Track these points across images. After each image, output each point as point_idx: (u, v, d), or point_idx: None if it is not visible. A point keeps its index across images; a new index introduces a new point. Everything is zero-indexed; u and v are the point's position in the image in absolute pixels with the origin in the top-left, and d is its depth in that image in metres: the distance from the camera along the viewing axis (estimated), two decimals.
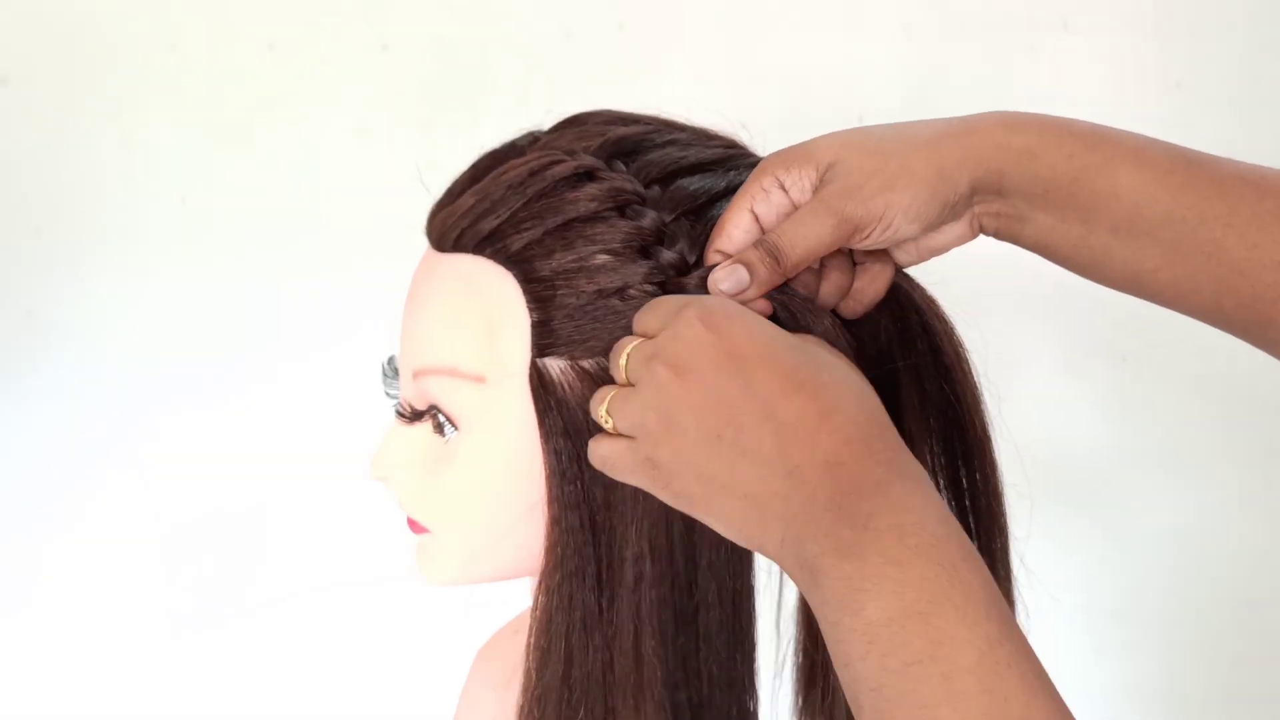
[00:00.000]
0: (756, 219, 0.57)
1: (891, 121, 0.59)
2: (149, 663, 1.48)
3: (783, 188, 0.57)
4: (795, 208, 0.57)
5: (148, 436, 1.45)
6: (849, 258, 0.60)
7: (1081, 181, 0.55)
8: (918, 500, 0.47)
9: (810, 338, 0.55)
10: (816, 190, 0.56)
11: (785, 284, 0.57)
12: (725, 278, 0.55)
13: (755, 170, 0.58)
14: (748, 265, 0.55)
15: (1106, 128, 0.57)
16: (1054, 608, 1.55)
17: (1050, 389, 1.46)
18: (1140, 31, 1.41)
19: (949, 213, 0.57)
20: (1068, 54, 1.42)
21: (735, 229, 0.57)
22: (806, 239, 0.55)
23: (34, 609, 1.47)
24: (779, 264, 0.55)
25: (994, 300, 1.45)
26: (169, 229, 1.42)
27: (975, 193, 0.56)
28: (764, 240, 0.55)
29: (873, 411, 0.51)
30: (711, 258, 0.57)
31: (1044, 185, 0.55)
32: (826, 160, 0.56)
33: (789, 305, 0.57)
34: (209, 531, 1.47)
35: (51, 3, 1.38)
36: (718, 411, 0.50)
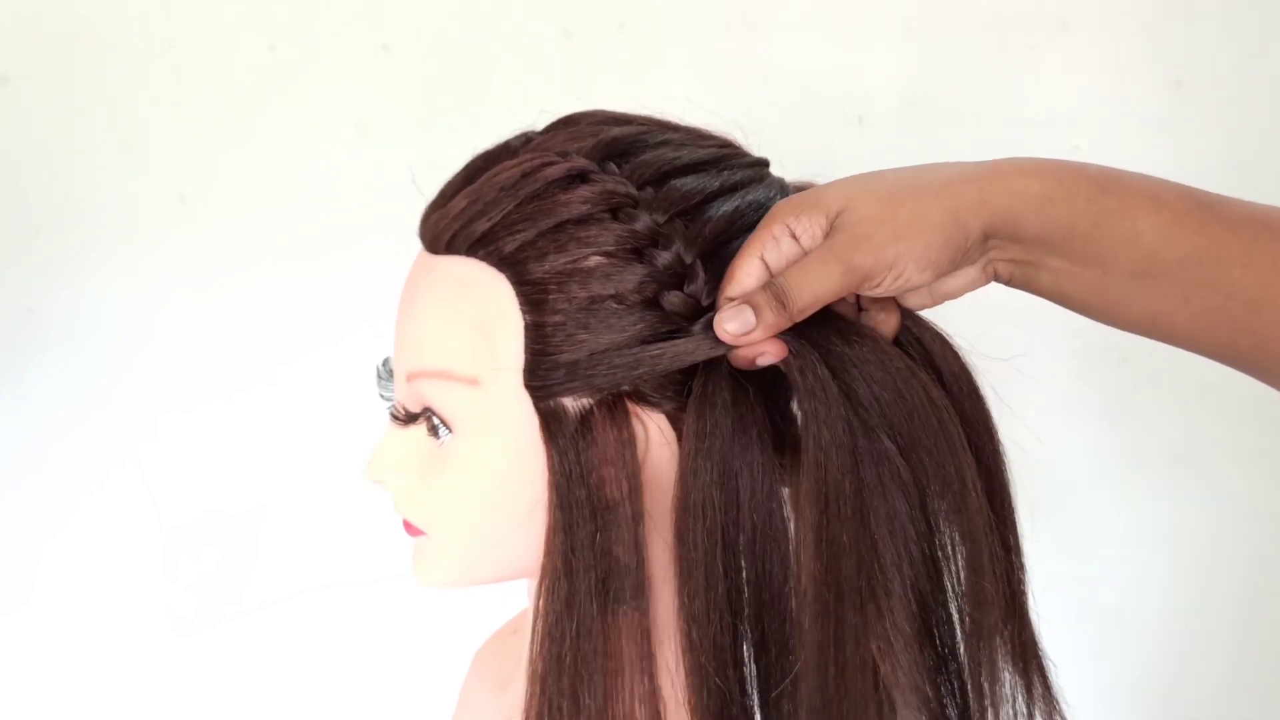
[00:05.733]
0: (767, 266, 0.57)
1: (902, 166, 0.58)
2: (149, 663, 1.48)
3: (793, 235, 0.57)
4: (806, 255, 0.57)
5: (147, 436, 1.45)
6: (854, 304, 0.60)
7: (1101, 226, 0.55)
8: None
9: None
10: (827, 237, 0.56)
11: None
12: (731, 318, 0.55)
13: (766, 217, 0.57)
14: (754, 308, 0.55)
15: (1120, 171, 0.57)
16: (1053, 608, 1.55)
17: (1050, 389, 1.46)
18: (1140, 31, 1.41)
19: (961, 258, 0.56)
20: (1068, 54, 1.42)
21: (746, 276, 0.57)
22: (813, 285, 0.55)
23: (33, 608, 1.47)
24: (785, 308, 0.55)
25: (992, 300, 1.45)
26: (168, 228, 1.42)
27: (989, 238, 0.56)
28: (771, 283, 0.56)
29: None
30: (723, 305, 0.57)
31: (1063, 231, 0.55)
32: (836, 207, 0.56)
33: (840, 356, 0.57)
34: (209, 531, 1.47)
35: (51, 3, 1.38)
36: None
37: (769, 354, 0.57)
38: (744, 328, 0.55)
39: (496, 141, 0.63)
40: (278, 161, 1.42)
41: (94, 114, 1.40)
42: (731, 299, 0.57)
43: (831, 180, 0.59)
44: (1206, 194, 0.56)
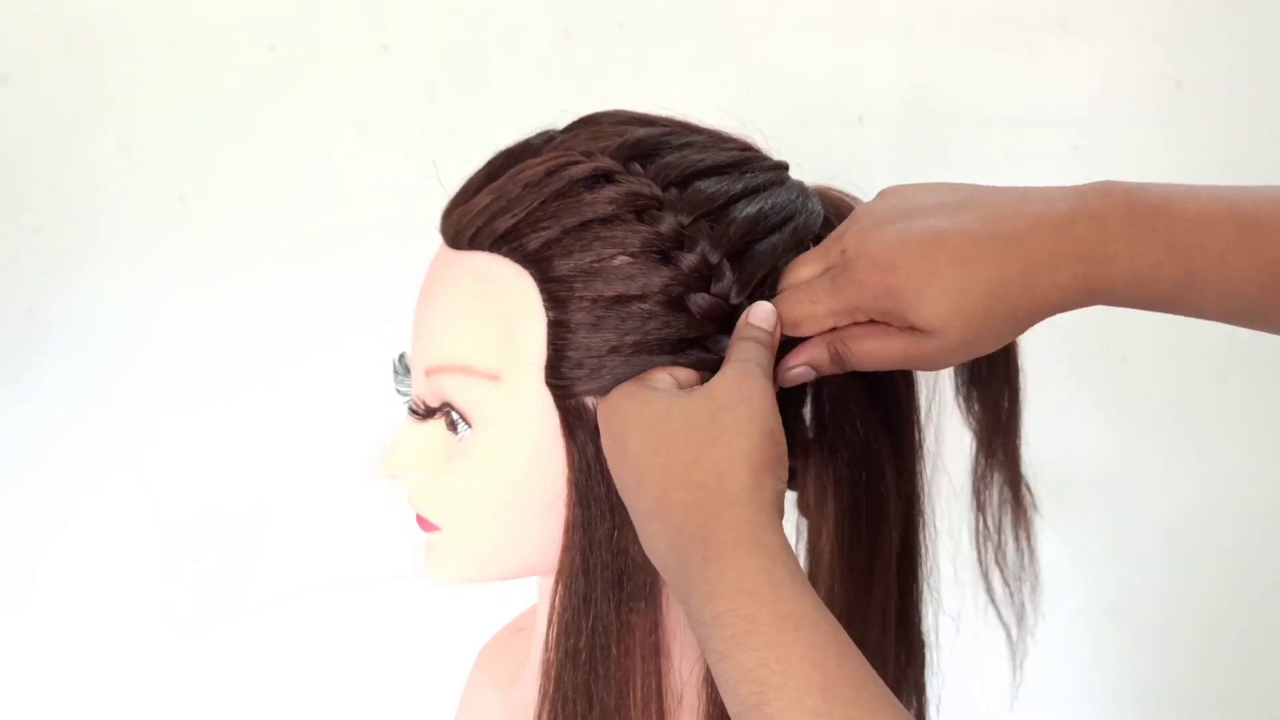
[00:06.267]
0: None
1: (977, 227, 0.55)
2: (149, 663, 1.48)
3: (872, 321, 0.56)
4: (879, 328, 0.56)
5: (147, 436, 1.45)
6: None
7: (1183, 295, 0.54)
8: (725, 581, 0.48)
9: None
10: (901, 318, 0.55)
11: None
12: (795, 378, 0.58)
13: (842, 286, 0.56)
14: (815, 366, 0.58)
15: (1205, 206, 0.53)
16: (1052, 609, 1.55)
17: (1050, 390, 1.46)
18: (1140, 31, 1.41)
19: None
20: (1068, 54, 1.42)
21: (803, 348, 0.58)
22: (876, 360, 0.56)
23: (33, 608, 1.47)
24: (841, 368, 0.58)
25: None
26: (168, 228, 1.42)
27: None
28: (838, 351, 0.57)
29: (699, 482, 0.51)
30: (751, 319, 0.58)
31: (1147, 301, 0.54)
32: (921, 320, 0.54)
33: None
34: (209, 531, 1.47)
35: (51, 3, 1.38)
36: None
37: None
38: (804, 378, 0.58)
39: (508, 140, 0.63)
40: (278, 161, 1.42)
41: (94, 114, 1.40)
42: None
43: (892, 244, 0.55)
44: None
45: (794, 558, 0.49)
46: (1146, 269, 0.53)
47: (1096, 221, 0.53)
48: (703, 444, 0.51)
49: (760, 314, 0.57)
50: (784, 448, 0.53)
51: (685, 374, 0.57)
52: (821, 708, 0.44)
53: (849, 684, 0.45)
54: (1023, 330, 0.56)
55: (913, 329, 0.54)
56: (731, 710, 0.47)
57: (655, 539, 0.52)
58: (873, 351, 0.56)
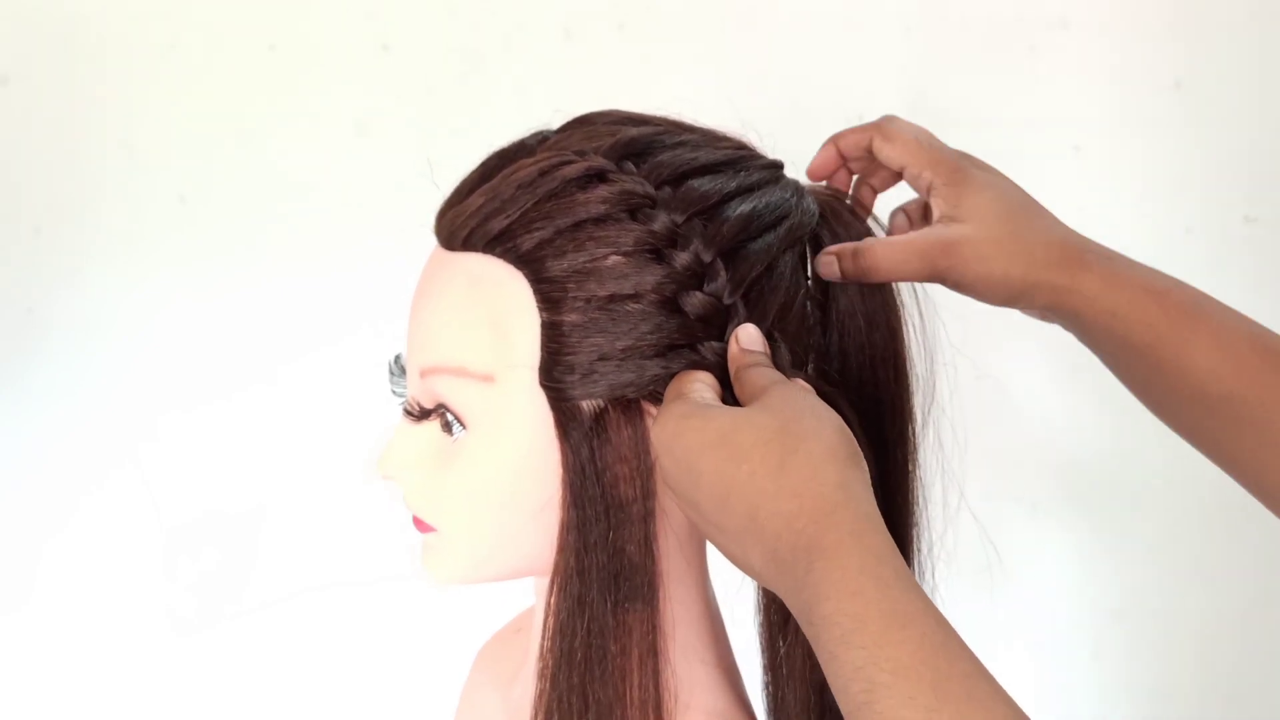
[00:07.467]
0: (842, 157, 0.68)
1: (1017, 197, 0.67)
2: (149, 663, 1.48)
3: (918, 189, 0.65)
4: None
5: (147, 436, 1.45)
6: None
7: (1155, 348, 0.62)
8: (831, 583, 0.48)
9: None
10: (938, 224, 0.64)
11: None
12: (823, 266, 0.64)
13: (908, 148, 0.66)
14: (840, 259, 0.63)
15: (1198, 297, 0.63)
16: (1054, 608, 1.55)
17: (1050, 390, 1.46)
18: (1140, 31, 1.41)
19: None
20: (1068, 54, 1.42)
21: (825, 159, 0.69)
22: (895, 274, 0.63)
23: (33, 608, 1.47)
24: (862, 276, 0.63)
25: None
26: (168, 228, 1.42)
27: (1048, 314, 0.65)
28: (861, 257, 0.63)
29: (796, 485, 0.51)
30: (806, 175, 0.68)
31: (1117, 344, 0.62)
32: (969, 226, 0.64)
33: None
34: (209, 531, 1.47)
35: (51, 3, 1.38)
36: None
37: None
38: (829, 277, 0.64)
39: (505, 140, 0.63)
40: (278, 161, 1.42)
41: (94, 114, 1.40)
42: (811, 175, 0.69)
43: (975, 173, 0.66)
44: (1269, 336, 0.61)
45: (899, 556, 0.49)
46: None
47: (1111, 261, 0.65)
48: (784, 453, 0.51)
49: (750, 338, 0.57)
50: (855, 443, 0.53)
51: (709, 376, 0.57)
52: (934, 704, 0.44)
53: (961, 682, 0.45)
54: (1018, 295, 0.63)
55: (942, 218, 0.63)
56: (843, 710, 0.47)
57: (750, 553, 0.51)
58: (898, 265, 0.62)
